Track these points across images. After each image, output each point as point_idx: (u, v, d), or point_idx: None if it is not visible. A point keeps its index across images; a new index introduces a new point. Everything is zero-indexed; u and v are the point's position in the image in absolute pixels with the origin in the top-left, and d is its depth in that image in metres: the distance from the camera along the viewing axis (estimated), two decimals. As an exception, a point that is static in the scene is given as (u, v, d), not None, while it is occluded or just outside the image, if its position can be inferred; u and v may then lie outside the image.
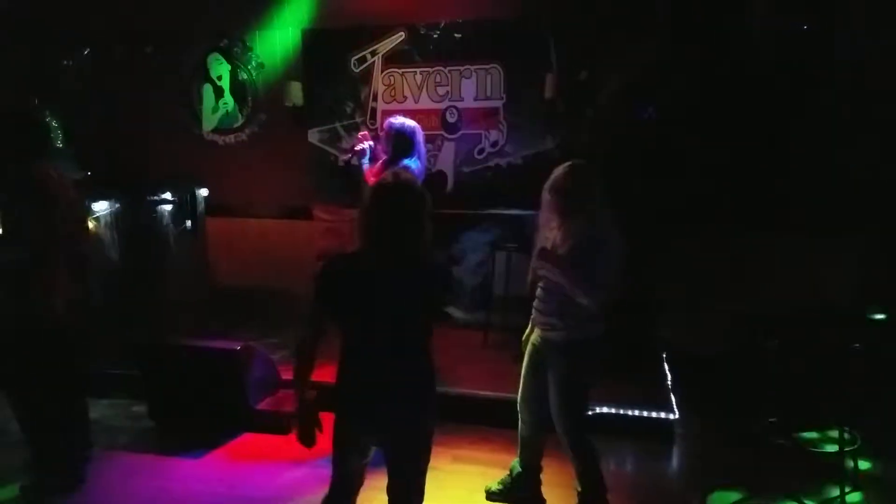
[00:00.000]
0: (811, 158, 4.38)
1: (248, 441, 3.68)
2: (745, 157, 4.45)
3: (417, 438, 2.18)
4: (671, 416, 3.69)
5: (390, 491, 2.24)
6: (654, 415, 3.70)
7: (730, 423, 3.77)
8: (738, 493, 3.09)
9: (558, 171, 2.68)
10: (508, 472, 3.15)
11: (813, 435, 3.63)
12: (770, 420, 3.57)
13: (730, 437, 3.66)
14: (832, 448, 3.34)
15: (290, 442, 3.67)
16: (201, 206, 4.68)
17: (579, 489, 2.92)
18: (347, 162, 5.11)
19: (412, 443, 2.18)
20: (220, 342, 3.78)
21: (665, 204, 4.37)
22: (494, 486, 3.15)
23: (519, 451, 3.11)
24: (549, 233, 2.73)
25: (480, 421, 3.81)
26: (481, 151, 5.15)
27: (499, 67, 5.02)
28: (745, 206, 4.47)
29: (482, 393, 3.99)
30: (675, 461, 3.60)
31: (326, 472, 3.29)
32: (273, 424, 3.74)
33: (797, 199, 4.40)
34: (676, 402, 3.81)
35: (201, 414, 3.80)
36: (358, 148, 4.00)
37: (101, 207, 4.31)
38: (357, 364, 2.11)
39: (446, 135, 5.18)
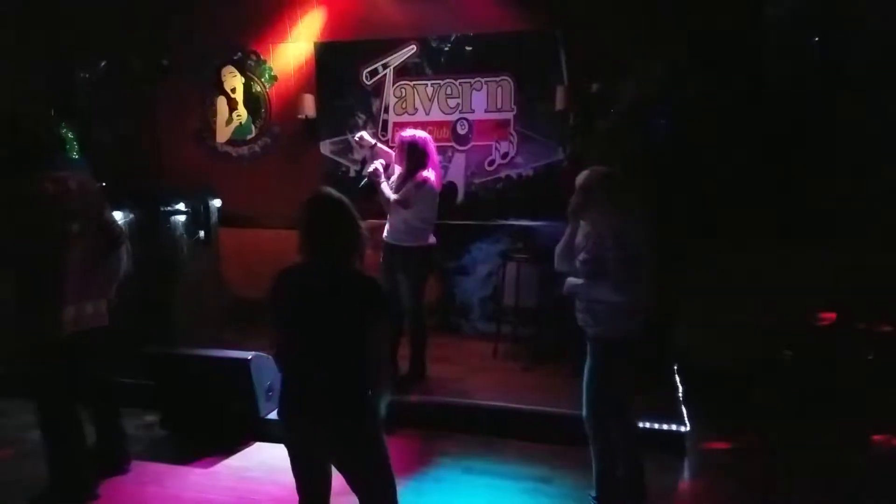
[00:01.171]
0: (829, 169, 4.36)
1: (259, 450, 3.69)
2: (761, 169, 4.44)
3: (357, 453, 2.18)
4: (683, 429, 3.65)
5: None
6: (665, 427, 3.67)
7: (743, 436, 3.73)
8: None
9: (581, 174, 2.80)
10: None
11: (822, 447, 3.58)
12: (784, 433, 3.52)
13: (743, 450, 3.62)
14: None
15: (300, 452, 3.68)
16: (214, 217, 4.72)
17: (593, 494, 2.91)
18: (359, 174, 5.19)
19: (353, 457, 2.18)
20: (231, 352, 3.80)
21: (678, 216, 4.36)
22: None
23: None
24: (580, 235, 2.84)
25: (491, 432, 3.79)
26: (492, 163, 5.18)
27: (509, 79, 5.05)
28: (759, 217, 4.44)
29: (492, 403, 3.98)
30: (686, 474, 3.56)
31: (336, 481, 3.32)
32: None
33: (814, 210, 4.36)
34: (688, 414, 3.78)
35: (212, 424, 3.81)
36: (371, 169, 4.03)
37: (115, 217, 4.34)
38: (290, 376, 2.18)
39: (457, 146, 5.21)
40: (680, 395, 4.07)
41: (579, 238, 2.81)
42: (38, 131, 3.11)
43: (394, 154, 4.12)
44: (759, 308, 4.28)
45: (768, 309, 4.26)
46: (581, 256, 2.77)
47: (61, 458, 3.09)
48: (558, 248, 2.89)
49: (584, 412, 2.91)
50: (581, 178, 2.79)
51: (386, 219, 4.19)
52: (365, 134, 4.24)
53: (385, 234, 4.16)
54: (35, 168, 2.93)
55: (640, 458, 2.89)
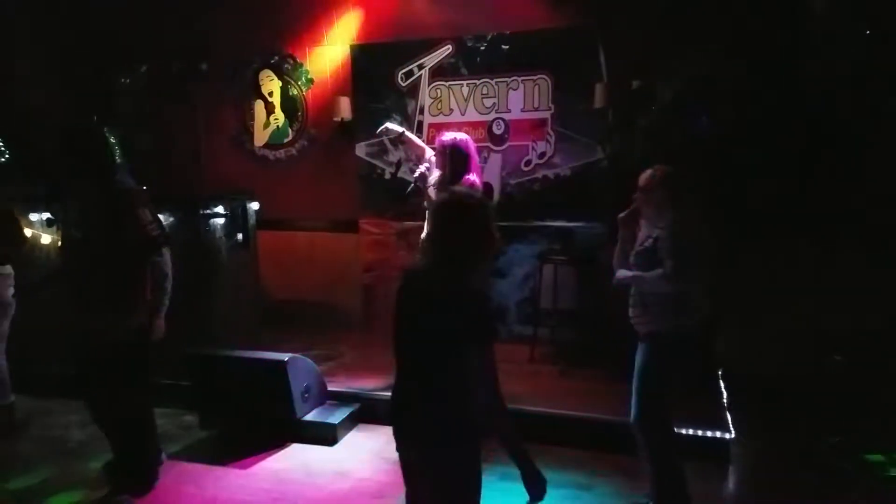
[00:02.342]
0: (877, 169, 4.16)
1: (295, 452, 3.70)
2: (807, 169, 4.26)
3: (436, 469, 2.02)
4: (727, 436, 3.52)
5: None
6: (709, 434, 3.54)
7: (790, 444, 3.58)
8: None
9: (644, 175, 2.81)
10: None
11: (878, 458, 3.41)
12: (833, 441, 3.37)
13: (790, 458, 3.47)
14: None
15: (336, 453, 3.68)
16: (252, 220, 4.77)
17: (644, 501, 2.82)
18: (394, 176, 5.18)
19: (430, 470, 2.04)
20: (269, 354, 3.82)
21: (721, 218, 4.21)
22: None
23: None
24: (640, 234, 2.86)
25: (528, 437, 3.68)
26: (528, 163, 5.10)
27: (547, 78, 4.97)
28: (805, 219, 4.26)
29: (530, 408, 3.90)
30: (730, 483, 3.43)
31: (371, 484, 3.31)
32: (319, 435, 3.75)
33: (862, 211, 4.17)
34: (732, 421, 3.65)
35: (250, 424, 3.85)
36: (417, 174, 4.07)
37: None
38: (399, 380, 2.08)
39: (493, 146, 5.15)
40: (724, 400, 3.93)
41: (640, 238, 2.82)
42: (103, 140, 3.21)
43: (426, 150, 4.18)
44: (808, 311, 4.11)
45: (817, 312, 4.08)
46: (636, 249, 2.79)
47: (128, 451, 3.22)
48: (616, 255, 2.92)
49: (633, 416, 2.81)
50: (644, 178, 2.78)
51: (423, 221, 4.20)
52: (389, 124, 4.26)
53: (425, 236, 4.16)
54: (115, 171, 3.08)
55: (677, 465, 2.78)
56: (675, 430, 3.31)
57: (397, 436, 2.07)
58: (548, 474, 3.32)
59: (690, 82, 4.40)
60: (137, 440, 3.22)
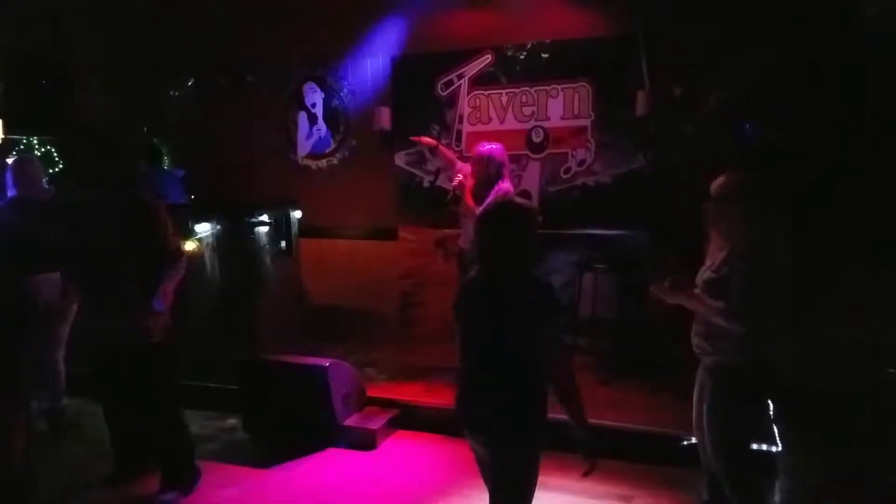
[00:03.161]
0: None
1: (335, 456, 3.75)
2: (856, 178, 4.11)
3: (510, 452, 2.23)
4: (774, 449, 3.41)
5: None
6: (754, 447, 3.43)
7: (840, 459, 3.44)
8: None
9: (716, 181, 2.56)
10: None
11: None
12: (886, 457, 3.23)
13: (840, 473, 3.34)
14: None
15: (375, 458, 3.72)
16: (295, 228, 4.87)
17: None
18: (433, 184, 5.24)
19: (504, 455, 2.23)
20: (310, 359, 3.88)
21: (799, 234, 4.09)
22: None
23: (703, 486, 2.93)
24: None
25: (568, 447, 3.67)
26: (568, 170, 5.07)
27: (587, 85, 4.95)
28: (857, 228, 4.11)
29: (568, 418, 3.86)
30: (777, 498, 3.32)
31: (409, 490, 3.33)
32: (359, 440, 3.79)
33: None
34: (780, 434, 3.53)
35: (291, 428, 3.90)
36: (456, 182, 4.21)
37: (203, 229, 4.57)
38: (465, 372, 2.24)
39: (531, 154, 5.14)
40: (770, 413, 3.81)
41: (709, 252, 2.56)
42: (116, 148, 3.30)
43: (456, 161, 4.36)
44: (863, 323, 3.96)
45: (872, 324, 3.93)
46: (706, 274, 2.51)
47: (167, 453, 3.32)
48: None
49: (712, 458, 2.63)
50: (716, 185, 2.51)
51: (458, 228, 4.38)
52: (424, 137, 4.40)
53: (465, 242, 4.31)
54: (140, 181, 3.19)
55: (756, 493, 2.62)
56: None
57: (471, 430, 2.24)
58: (587, 485, 3.32)
59: (735, 90, 4.32)
60: (172, 440, 3.30)
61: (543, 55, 5.04)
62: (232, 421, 4.18)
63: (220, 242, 4.60)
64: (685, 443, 3.49)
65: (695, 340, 2.60)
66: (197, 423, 4.24)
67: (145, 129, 5.97)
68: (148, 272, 3.09)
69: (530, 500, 2.28)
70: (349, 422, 3.88)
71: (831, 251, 4.05)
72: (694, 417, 2.81)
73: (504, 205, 2.33)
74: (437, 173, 5.34)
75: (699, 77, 4.50)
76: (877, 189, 4.02)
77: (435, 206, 5.38)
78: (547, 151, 5.11)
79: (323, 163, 5.86)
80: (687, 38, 4.50)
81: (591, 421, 3.74)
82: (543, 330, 2.10)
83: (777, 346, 2.45)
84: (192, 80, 6.11)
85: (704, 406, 2.60)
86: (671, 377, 4.18)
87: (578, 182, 5.04)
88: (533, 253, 2.18)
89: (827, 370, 3.91)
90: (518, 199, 2.41)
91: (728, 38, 4.32)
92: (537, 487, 3.33)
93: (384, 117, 5.44)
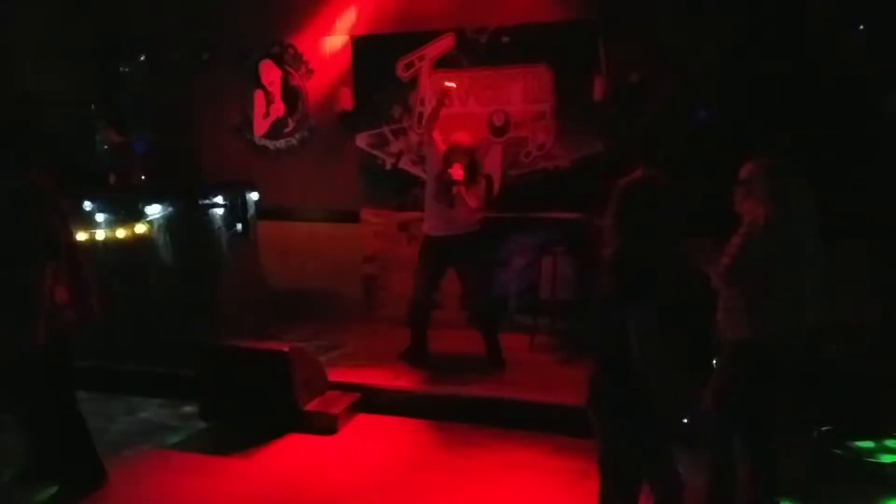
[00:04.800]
0: (883, 165, 4.14)
1: (296, 442, 3.72)
2: (811, 160, 4.23)
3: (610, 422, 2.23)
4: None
5: None
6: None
7: (783, 431, 3.59)
8: (792, 504, 2.93)
9: (745, 166, 2.64)
10: None
11: (869, 444, 3.42)
12: (825, 429, 3.38)
13: (783, 446, 3.49)
14: (889, 458, 3.17)
15: (337, 443, 3.71)
16: (252, 210, 4.76)
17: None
18: (395, 166, 5.20)
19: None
20: (270, 344, 3.83)
21: (724, 211, 4.19)
22: None
23: None
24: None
25: (529, 426, 3.75)
26: (528, 154, 5.10)
27: (547, 70, 4.96)
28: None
29: (531, 397, 3.93)
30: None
31: (372, 473, 3.34)
32: (320, 425, 3.77)
33: (862, 204, 4.15)
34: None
35: (251, 415, 3.86)
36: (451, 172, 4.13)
37: (154, 211, 4.44)
38: (606, 363, 2.26)
39: (493, 138, 5.14)
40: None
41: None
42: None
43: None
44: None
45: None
46: (729, 251, 2.57)
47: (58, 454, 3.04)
48: None
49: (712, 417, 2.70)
50: (745, 170, 2.62)
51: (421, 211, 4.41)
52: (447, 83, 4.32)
53: (431, 229, 4.31)
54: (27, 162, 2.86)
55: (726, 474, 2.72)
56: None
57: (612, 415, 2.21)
58: (550, 461, 3.39)
59: (690, 75, 4.40)
60: (63, 442, 3.01)
61: (504, 39, 5.02)
62: (189, 408, 4.10)
63: (172, 225, 4.46)
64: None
65: (718, 315, 2.68)
66: (152, 411, 4.18)
67: (93, 108, 5.72)
68: (19, 268, 2.66)
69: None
70: (310, 406, 3.85)
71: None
72: None
73: (646, 182, 2.18)
74: (399, 155, 5.31)
75: (656, 62, 4.56)
76: (841, 173, 4.14)
77: (398, 188, 5.39)
78: (508, 135, 5.12)
79: (281, 143, 5.73)
80: (644, 24, 4.55)
81: (554, 400, 3.85)
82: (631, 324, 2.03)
83: (781, 325, 2.52)
84: (144, 56, 5.87)
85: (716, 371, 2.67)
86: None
87: (539, 166, 5.07)
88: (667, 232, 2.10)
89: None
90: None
91: (685, 24, 4.39)
92: (500, 463, 3.40)
93: (345, 97, 5.35)
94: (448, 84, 4.21)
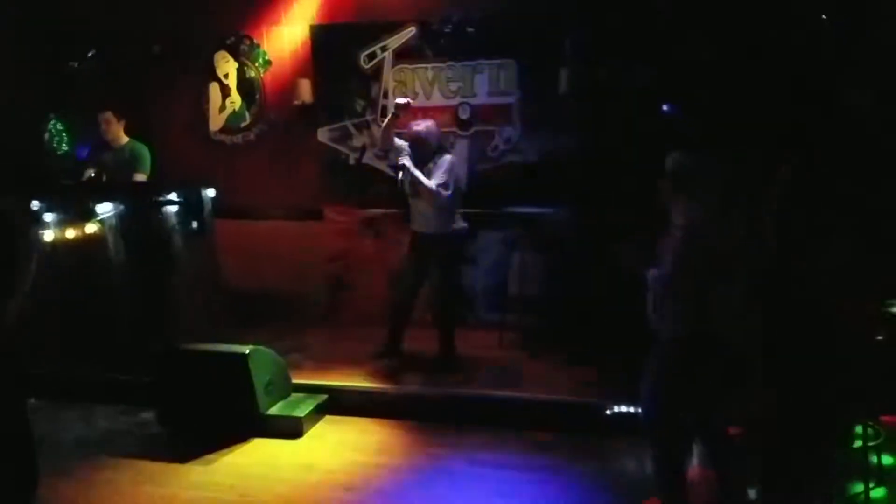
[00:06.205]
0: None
1: (259, 447, 3.58)
2: (778, 151, 4.26)
3: None
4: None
5: None
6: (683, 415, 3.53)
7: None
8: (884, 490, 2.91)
9: (669, 158, 2.58)
10: None
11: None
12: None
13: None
14: (856, 443, 3.19)
15: (302, 446, 3.58)
16: (208, 207, 4.57)
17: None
18: (359, 161, 5.06)
19: None
20: (229, 346, 3.68)
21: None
22: None
23: None
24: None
25: (497, 422, 3.70)
26: (495, 148, 5.03)
27: (512, 62, 4.90)
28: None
29: (498, 393, 3.88)
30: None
31: (339, 476, 3.23)
32: (284, 429, 3.64)
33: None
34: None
35: (211, 419, 3.71)
36: (402, 162, 3.98)
37: (105, 209, 4.22)
38: None
39: (459, 132, 5.06)
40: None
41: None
42: None
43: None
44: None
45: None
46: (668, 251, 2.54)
47: None
48: None
49: (646, 412, 2.69)
50: (670, 161, 2.56)
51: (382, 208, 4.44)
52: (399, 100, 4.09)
53: (413, 225, 4.23)
54: None
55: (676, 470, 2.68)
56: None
57: None
58: (517, 458, 3.34)
59: (658, 69, 4.39)
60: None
61: (469, 30, 4.94)
62: (146, 415, 3.92)
63: (124, 224, 4.26)
64: (608, 412, 3.56)
65: (648, 310, 2.63)
66: (109, 418, 4.01)
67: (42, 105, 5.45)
68: None
69: None
70: (273, 410, 3.71)
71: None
72: None
73: None
74: (363, 150, 5.17)
75: (622, 56, 4.53)
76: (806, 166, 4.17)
77: (362, 184, 5.26)
78: (474, 129, 5.05)
79: (238, 138, 5.53)
80: (610, 17, 4.52)
81: (522, 395, 3.81)
82: None
83: (714, 320, 2.46)
84: (94, 51, 5.61)
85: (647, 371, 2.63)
86: (596, 350, 4.26)
87: (506, 160, 5.02)
88: None
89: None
90: None
91: (650, 15, 4.37)
92: (468, 461, 3.33)
93: (304, 90, 5.18)
94: (403, 100, 4.03)
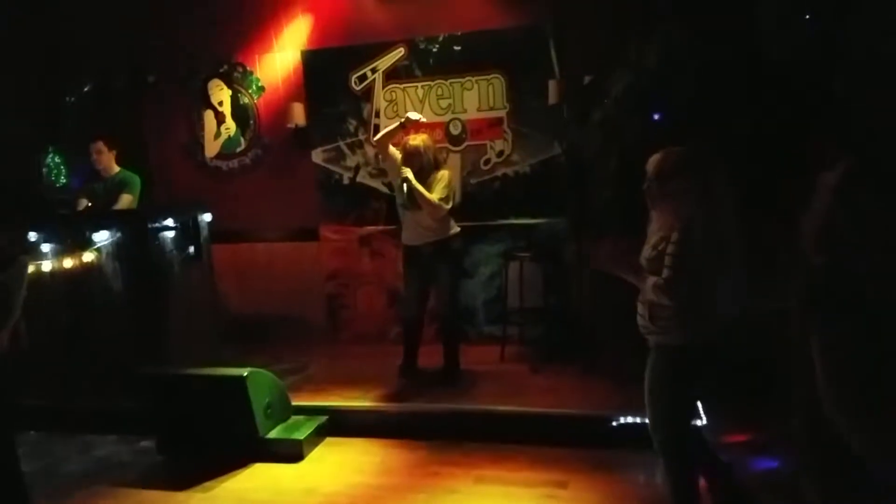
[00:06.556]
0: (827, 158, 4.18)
1: (260, 471, 3.54)
2: (763, 158, 4.26)
3: None
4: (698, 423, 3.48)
5: None
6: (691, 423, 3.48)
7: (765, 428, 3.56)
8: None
9: (652, 158, 2.47)
10: None
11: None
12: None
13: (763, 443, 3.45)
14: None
15: (303, 469, 3.54)
16: (205, 232, 4.58)
17: None
18: (353, 181, 5.08)
19: None
20: (227, 370, 3.66)
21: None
22: None
23: None
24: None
25: (502, 438, 3.65)
26: (487, 162, 5.05)
27: (500, 77, 4.93)
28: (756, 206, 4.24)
29: (501, 408, 3.83)
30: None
31: (342, 498, 3.19)
32: (284, 452, 3.60)
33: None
34: (705, 408, 3.62)
35: (210, 445, 3.67)
36: (406, 176, 4.02)
37: (102, 238, 4.23)
38: None
39: (451, 147, 5.08)
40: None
41: (650, 231, 2.50)
42: None
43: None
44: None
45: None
46: (647, 252, 2.44)
47: None
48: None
49: (653, 426, 2.58)
50: (654, 162, 2.44)
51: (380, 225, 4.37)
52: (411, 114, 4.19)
53: (405, 238, 4.25)
54: None
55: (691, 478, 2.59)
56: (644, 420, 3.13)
57: None
58: (523, 474, 3.29)
59: (642, 73, 4.41)
60: None
61: (456, 47, 4.99)
62: (146, 443, 3.89)
63: (121, 251, 4.26)
64: (614, 423, 3.52)
65: (639, 320, 2.54)
66: (107, 448, 3.97)
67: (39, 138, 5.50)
68: None
69: None
70: (273, 433, 3.67)
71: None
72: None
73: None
74: (356, 169, 5.20)
75: (607, 64, 4.56)
76: (787, 164, 4.17)
77: (357, 203, 5.27)
78: (466, 143, 5.07)
79: (234, 163, 5.57)
80: (594, 26, 4.56)
81: (526, 409, 3.76)
82: None
83: (715, 324, 2.39)
84: (90, 82, 5.67)
85: (645, 383, 2.55)
86: (599, 360, 4.23)
87: (499, 173, 5.03)
88: None
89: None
90: None
91: (634, 23, 4.41)
92: (474, 479, 3.28)
93: (298, 113, 5.23)
94: (415, 116, 4.14)
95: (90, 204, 4.64)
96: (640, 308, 2.52)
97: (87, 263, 4.22)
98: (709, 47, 4.25)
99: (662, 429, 2.53)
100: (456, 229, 4.23)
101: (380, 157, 4.44)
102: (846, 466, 1.85)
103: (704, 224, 2.31)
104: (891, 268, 1.54)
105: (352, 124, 5.25)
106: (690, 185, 2.35)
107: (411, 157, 4.08)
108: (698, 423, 3.44)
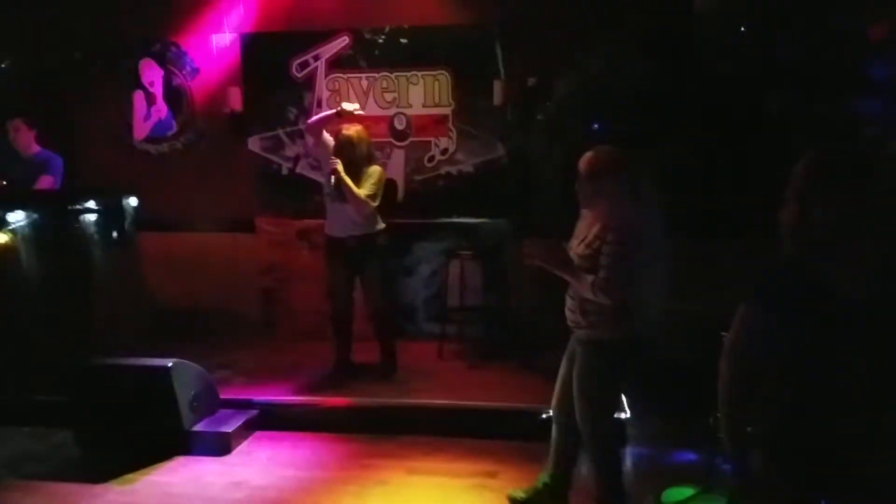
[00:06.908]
0: (765, 166, 4.36)
1: (184, 464, 3.40)
2: (699, 164, 4.41)
3: None
4: (622, 416, 3.58)
5: None
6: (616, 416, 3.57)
7: (684, 421, 3.68)
8: (692, 490, 2.96)
9: (584, 157, 2.49)
10: (536, 483, 2.88)
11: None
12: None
13: (683, 435, 3.57)
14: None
15: (230, 463, 3.42)
16: (130, 217, 4.36)
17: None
18: (292, 171, 4.96)
19: None
20: (151, 360, 3.50)
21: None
22: (519, 495, 2.87)
23: (549, 461, 2.87)
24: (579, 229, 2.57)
25: (436, 432, 3.65)
26: (431, 159, 5.04)
27: (447, 74, 4.94)
28: (693, 213, 4.39)
29: (436, 402, 3.83)
30: (629, 462, 3.48)
31: (269, 492, 3.10)
32: (211, 445, 3.47)
33: (745, 206, 4.36)
34: (628, 402, 3.72)
35: (131, 438, 3.49)
36: (335, 168, 3.92)
37: (17, 218, 3.97)
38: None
39: (395, 142, 5.05)
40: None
41: (580, 228, 2.55)
42: None
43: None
44: (698, 298, 4.26)
45: (706, 299, 4.23)
46: (578, 249, 2.48)
47: None
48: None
49: (581, 418, 2.61)
50: (585, 161, 2.46)
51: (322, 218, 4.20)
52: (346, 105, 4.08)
53: (329, 228, 4.15)
54: None
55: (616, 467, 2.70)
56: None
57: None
58: (455, 465, 3.30)
59: (585, 77, 4.51)
60: None
61: (402, 40, 4.96)
62: (62, 435, 3.66)
63: (38, 234, 4.01)
64: (544, 416, 3.57)
65: (568, 314, 2.58)
66: (22, 442, 3.71)
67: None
68: None
69: None
70: (199, 426, 3.54)
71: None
72: (556, 390, 2.82)
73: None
74: (296, 160, 5.07)
75: (551, 66, 4.64)
76: (727, 172, 4.33)
77: (296, 194, 5.14)
78: (410, 139, 5.04)
79: (165, 147, 5.33)
80: (541, 29, 4.63)
81: (459, 403, 3.77)
82: None
83: (647, 322, 2.45)
84: (10, 58, 5.31)
85: (574, 376, 2.60)
86: (534, 358, 4.29)
87: (442, 171, 5.03)
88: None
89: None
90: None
91: (579, 27, 4.50)
92: (406, 471, 3.25)
93: (234, 98, 5.06)
94: (352, 107, 4.04)
95: (4, 183, 4.35)
96: (570, 302, 2.56)
97: (2, 245, 3.95)
98: (649, 55, 4.40)
99: (590, 421, 2.58)
100: (381, 226, 4.16)
101: (310, 142, 4.33)
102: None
103: (638, 224, 2.37)
104: (855, 262, 1.58)
105: (292, 112, 5.13)
106: (621, 185, 2.40)
107: (343, 147, 3.98)
108: (622, 416, 3.55)
